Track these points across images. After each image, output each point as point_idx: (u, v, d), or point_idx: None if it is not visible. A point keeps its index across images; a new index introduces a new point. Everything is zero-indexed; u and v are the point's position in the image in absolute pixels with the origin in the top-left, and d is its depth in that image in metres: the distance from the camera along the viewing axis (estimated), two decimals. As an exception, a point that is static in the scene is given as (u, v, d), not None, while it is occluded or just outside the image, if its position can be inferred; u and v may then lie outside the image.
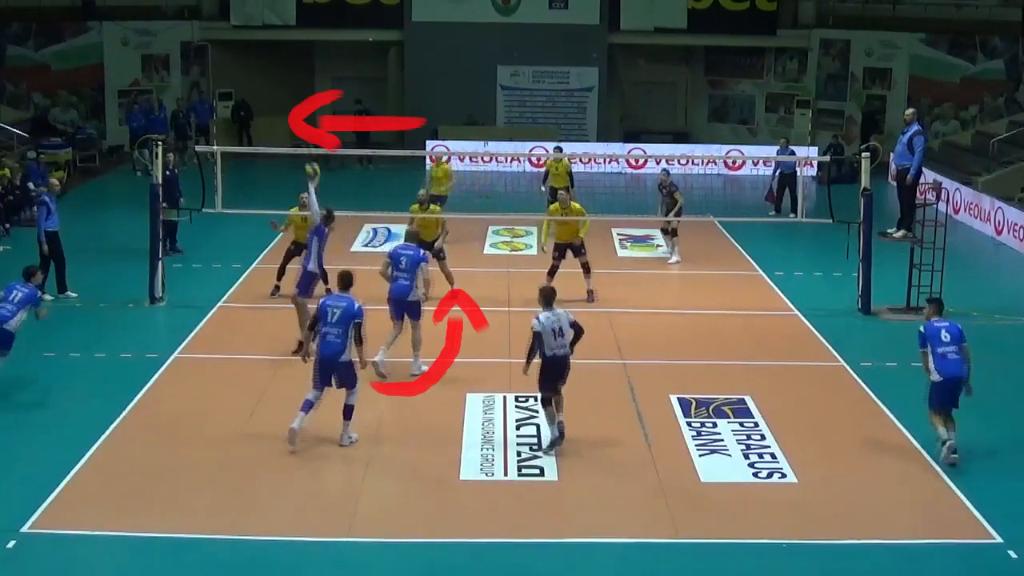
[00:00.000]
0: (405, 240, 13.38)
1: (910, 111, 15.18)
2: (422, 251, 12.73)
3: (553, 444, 10.37)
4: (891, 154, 15.68)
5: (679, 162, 26.13)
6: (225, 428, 10.82)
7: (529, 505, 9.41)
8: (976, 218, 21.36)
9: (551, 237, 15.46)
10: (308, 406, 10.26)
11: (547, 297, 10.48)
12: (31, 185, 19.54)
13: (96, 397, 11.62)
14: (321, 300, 10.61)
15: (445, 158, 19.88)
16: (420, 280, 12.36)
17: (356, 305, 10.28)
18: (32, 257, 15.11)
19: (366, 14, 29.37)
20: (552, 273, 15.01)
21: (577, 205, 15.51)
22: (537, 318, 10.37)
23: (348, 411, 10.35)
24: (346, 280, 10.57)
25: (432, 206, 15.84)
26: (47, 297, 14.92)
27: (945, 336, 10.29)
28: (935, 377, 10.21)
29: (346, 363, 10.24)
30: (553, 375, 10.41)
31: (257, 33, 28.94)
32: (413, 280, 12.22)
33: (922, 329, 10.41)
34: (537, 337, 10.31)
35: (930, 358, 10.22)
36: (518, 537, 8.81)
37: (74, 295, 15.17)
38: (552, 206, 15.95)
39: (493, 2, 29.54)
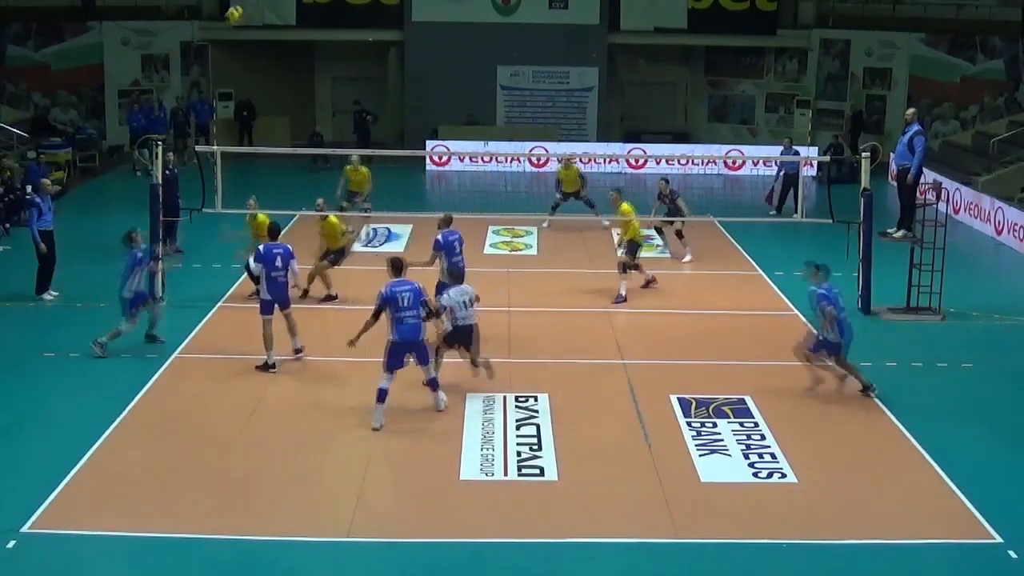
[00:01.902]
0: (444, 226, 13.46)
1: (911, 111, 15.18)
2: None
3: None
4: (891, 154, 15.69)
5: (679, 162, 26.15)
6: (225, 428, 10.83)
7: (529, 505, 9.41)
8: (976, 218, 21.36)
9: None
10: (384, 395, 10.75)
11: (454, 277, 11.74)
12: (28, 188, 19.54)
13: (96, 397, 11.62)
14: (387, 288, 10.85)
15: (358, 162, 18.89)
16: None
17: (418, 285, 11.02)
18: (33, 258, 15.14)
19: (366, 14, 29.38)
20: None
21: (625, 206, 15.69)
22: (447, 294, 11.48)
23: (434, 383, 11.13)
24: (398, 265, 11.14)
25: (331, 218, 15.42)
26: (47, 296, 14.93)
27: (842, 302, 11.72)
28: (834, 338, 11.63)
29: (423, 341, 10.95)
30: (460, 338, 11.53)
31: (257, 33, 28.96)
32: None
33: (824, 291, 11.69)
34: (446, 310, 11.37)
35: (835, 321, 11.55)
36: (518, 537, 8.82)
37: (55, 294, 15.10)
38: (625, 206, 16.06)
39: (493, 2, 29.54)
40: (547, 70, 29.72)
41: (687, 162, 26.37)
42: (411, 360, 10.99)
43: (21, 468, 9.90)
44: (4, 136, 24.97)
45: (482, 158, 26.54)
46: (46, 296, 15.06)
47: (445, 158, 26.80)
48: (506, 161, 26.81)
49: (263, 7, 28.68)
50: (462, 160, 26.83)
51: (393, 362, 10.80)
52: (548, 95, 29.82)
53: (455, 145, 26.34)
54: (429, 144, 26.67)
